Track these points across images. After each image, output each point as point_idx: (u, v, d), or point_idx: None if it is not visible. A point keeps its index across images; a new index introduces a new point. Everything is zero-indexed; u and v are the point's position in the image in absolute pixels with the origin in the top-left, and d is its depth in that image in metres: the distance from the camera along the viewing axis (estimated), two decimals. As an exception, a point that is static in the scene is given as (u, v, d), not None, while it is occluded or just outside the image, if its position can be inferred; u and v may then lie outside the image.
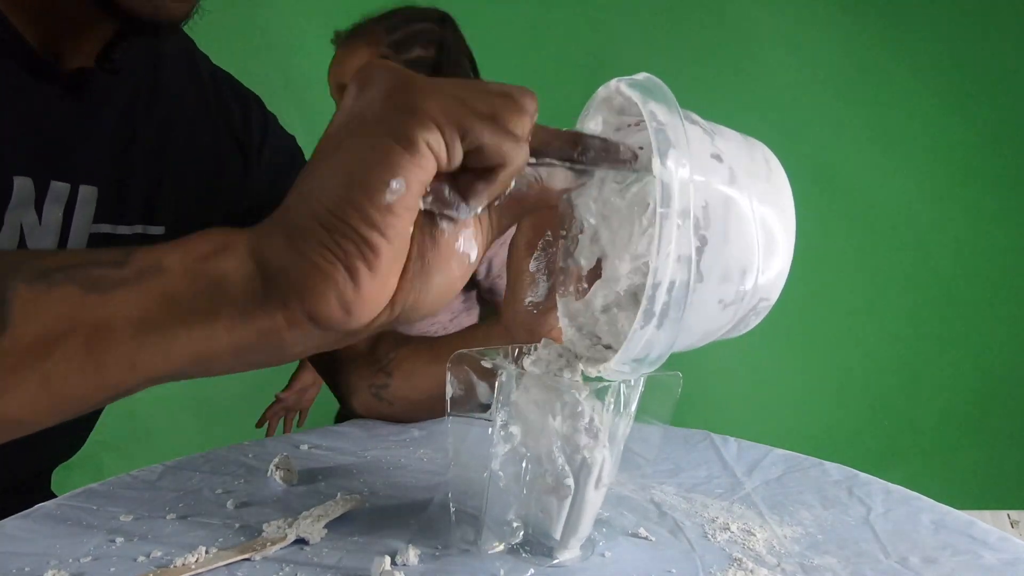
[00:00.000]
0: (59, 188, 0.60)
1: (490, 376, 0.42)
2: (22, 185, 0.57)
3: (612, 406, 0.42)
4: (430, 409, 0.72)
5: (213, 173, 0.73)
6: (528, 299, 0.48)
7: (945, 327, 1.98)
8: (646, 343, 0.36)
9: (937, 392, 1.99)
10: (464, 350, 0.43)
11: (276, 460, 0.58)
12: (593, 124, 0.44)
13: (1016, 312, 1.98)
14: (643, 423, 0.46)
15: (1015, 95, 1.95)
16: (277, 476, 0.58)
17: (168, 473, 0.59)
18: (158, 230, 0.69)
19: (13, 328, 0.27)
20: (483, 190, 0.32)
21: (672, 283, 0.34)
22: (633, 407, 0.44)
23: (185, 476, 0.58)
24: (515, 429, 0.42)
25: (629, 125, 0.42)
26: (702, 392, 1.91)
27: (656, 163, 0.34)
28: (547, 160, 0.35)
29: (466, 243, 0.33)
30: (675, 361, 0.45)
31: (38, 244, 0.59)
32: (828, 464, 0.65)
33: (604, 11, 1.88)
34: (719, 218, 0.37)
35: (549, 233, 0.46)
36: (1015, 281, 1.97)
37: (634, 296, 0.41)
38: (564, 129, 0.36)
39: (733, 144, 0.40)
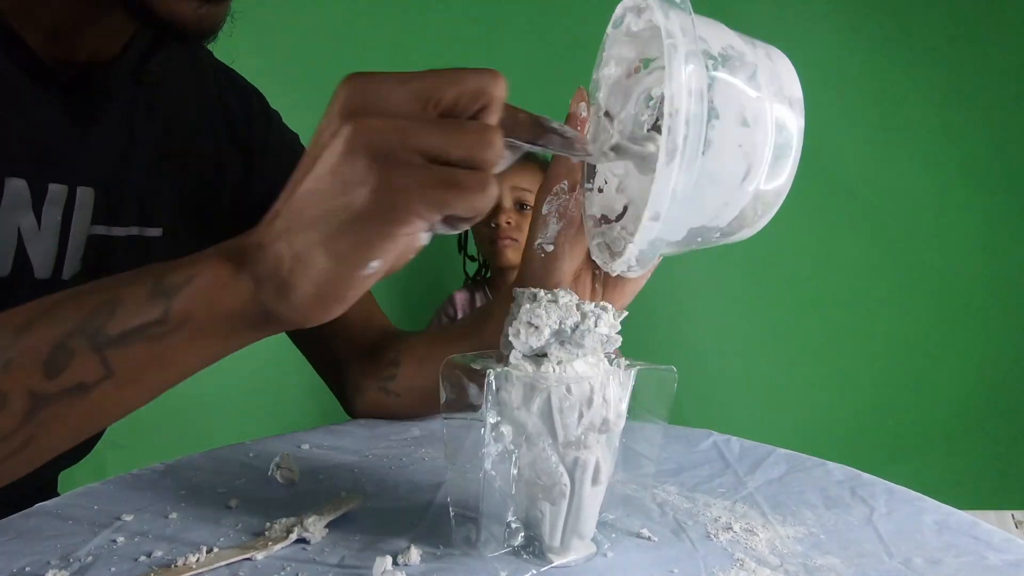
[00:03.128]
0: (57, 190, 0.59)
1: (480, 377, 0.42)
2: (16, 187, 0.57)
3: (604, 400, 0.42)
4: (433, 399, 0.71)
5: (213, 174, 0.73)
6: (538, 240, 0.52)
7: (949, 326, 1.98)
8: (671, 192, 0.38)
9: (941, 391, 1.98)
10: (454, 355, 0.44)
11: (277, 459, 0.58)
12: (607, 70, 0.47)
13: (1020, 311, 1.97)
14: (642, 421, 0.46)
15: (1019, 94, 1.94)
16: (278, 475, 0.57)
17: (169, 472, 0.59)
18: (155, 232, 0.68)
19: (116, 374, 0.41)
20: (463, 226, 0.39)
21: (688, 114, 0.37)
22: (625, 403, 0.43)
23: (186, 475, 0.58)
24: (505, 428, 0.42)
25: (638, 69, 0.47)
26: (705, 391, 1.91)
27: (659, 14, 0.38)
28: (511, 141, 0.40)
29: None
30: (676, 359, 0.45)
31: (37, 248, 0.59)
32: (831, 464, 0.65)
33: (607, 7, 1.88)
34: (728, 63, 0.40)
35: (565, 182, 0.51)
36: (1019, 280, 1.97)
37: None
38: (529, 116, 0.41)
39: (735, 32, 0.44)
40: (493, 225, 1.66)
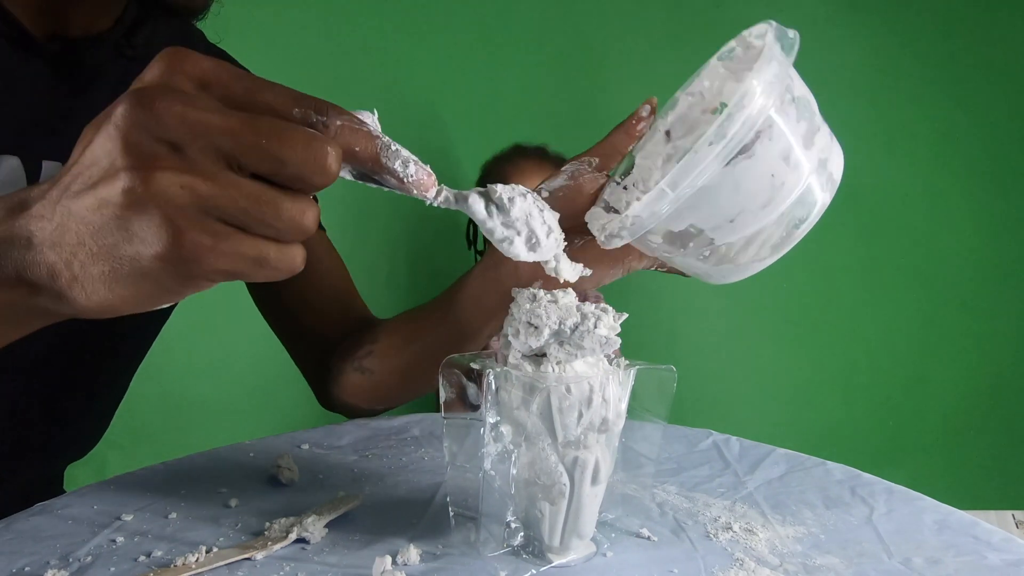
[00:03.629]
0: (51, 168, 0.58)
1: (480, 377, 0.42)
2: (10, 166, 0.56)
3: (604, 400, 0.42)
4: (408, 376, 0.69)
5: None
6: (540, 185, 0.50)
7: (950, 326, 1.98)
8: (698, 171, 0.39)
9: (941, 391, 1.98)
10: (453, 355, 0.44)
11: (277, 460, 0.58)
12: (689, 98, 0.48)
13: (1021, 311, 1.97)
14: (641, 420, 0.46)
15: (1020, 93, 1.94)
16: (279, 475, 0.57)
17: (169, 472, 0.59)
18: None
19: None
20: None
21: (751, 114, 0.38)
22: (625, 403, 0.43)
23: (186, 476, 0.58)
24: (505, 428, 0.42)
25: (715, 110, 0.47)
26: (705, 391, 1.91)
27: (771, 38, 0.42)
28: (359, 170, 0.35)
29: None
30: (676, 359, 0.45)
31: None
32: (831, 464, 0.65)
33: (606, 8, 1.88)
34: (800, 109, 0.43)
35: (596, 159, 0.51)
36: (1021, 279, 1.97)
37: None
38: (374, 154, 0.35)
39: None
40: None
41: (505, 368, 0.42)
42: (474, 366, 0.43)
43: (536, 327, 0.42)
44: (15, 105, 0.57)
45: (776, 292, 1.95)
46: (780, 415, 1.96)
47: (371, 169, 0.35)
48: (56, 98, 0.59)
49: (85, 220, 0.32)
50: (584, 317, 0.42)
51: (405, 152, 0.35)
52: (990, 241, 1.96)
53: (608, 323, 0.42)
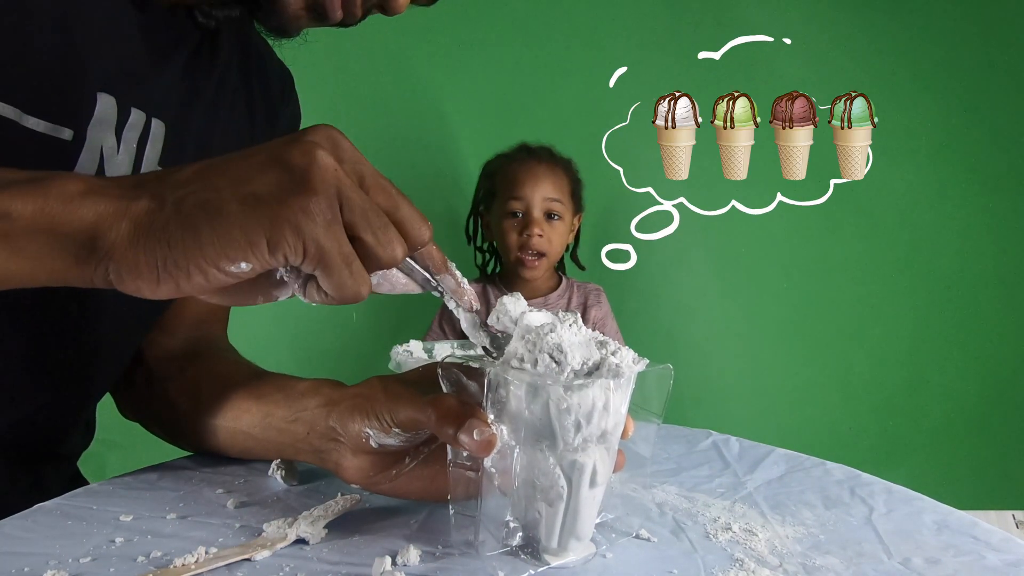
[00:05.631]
0: (137, 116, 0.60)
1: (480, 376, 0.42)
2: (107, 104, 0.57)
3: (604, 409, 0.41)
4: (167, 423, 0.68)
5: (245, 138, 0.74)
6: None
7: (949, 327, 1.98)
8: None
9: (941, 392, 1.98)
10: (455, 352, 0.44)
11: (276, 460, 0.58)
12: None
13: (1021, 312, 1.97)
14: (638, 418, 0.46)
15: (1020, 94, 1.95)
16: (278, 476, 0.58)
17: (168, 473, 0.59)
18: None
19: None
20: (322, 301, 0.41)
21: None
22: (625, 406, 0.43)
23: (185, 476, 0.58)
24: (504, 427, 0.42)
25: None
26: (705, 391, 1.91)
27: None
28: (409, 265, 0.44)
29: (283, 292, 0.42)
30: (676, 359, 0.44)
31: (113, 171, 0.58)
32: (830, 464, 0.65)
33: (607, 13, 1.88)
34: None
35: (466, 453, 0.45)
36: (1020, 281, 1.97)
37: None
38: (443, 259, 0.46)
39: None
40: (525, 236, 1.62)
41: (505, 366, 0.42)
42: (474, 364, 0.43)
43: (558, 363, 0.41)
44: (118, 45, 0.58)
45: (776, 292, 1.96)
46: (780, 415, 1.96)
47: (436, 268, 0.45)
48: (146, 49, 0.61)
49: (227, 163, 0.39)
50: (603, 346, 0.42)
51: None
52: (990, 241, 1.96)
53: (626, 360, 0.42)
